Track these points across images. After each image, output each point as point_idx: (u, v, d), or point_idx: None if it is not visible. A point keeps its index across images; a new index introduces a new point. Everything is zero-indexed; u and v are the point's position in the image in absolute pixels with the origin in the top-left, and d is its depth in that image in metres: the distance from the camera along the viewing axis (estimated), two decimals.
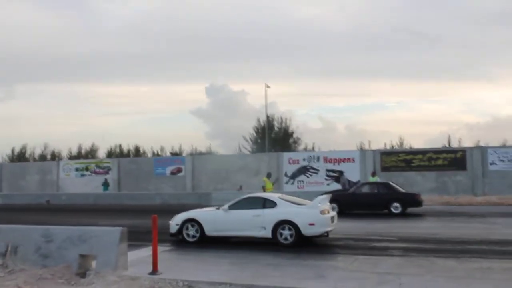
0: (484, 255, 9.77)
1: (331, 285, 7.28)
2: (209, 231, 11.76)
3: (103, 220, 17.43)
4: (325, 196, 12.37)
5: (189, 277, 7.89)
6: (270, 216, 11.25)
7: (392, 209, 18.71)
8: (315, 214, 11.16)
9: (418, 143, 75.11)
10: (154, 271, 8.22)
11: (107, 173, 35.03)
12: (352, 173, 28.59)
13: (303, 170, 30.48)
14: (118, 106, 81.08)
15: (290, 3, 78.05)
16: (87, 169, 35.95)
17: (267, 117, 41.65)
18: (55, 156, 50.52)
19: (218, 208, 12.20)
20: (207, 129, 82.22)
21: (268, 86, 36.39)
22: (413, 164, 28.55)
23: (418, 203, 19.10)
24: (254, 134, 45.45)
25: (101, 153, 50.02)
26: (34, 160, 50.04)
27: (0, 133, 74.10)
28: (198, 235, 11.81)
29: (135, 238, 10.64)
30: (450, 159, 28.06)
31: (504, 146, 31.83)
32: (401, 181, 24.94)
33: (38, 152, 52.11)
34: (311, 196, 15.54)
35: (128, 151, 50.46)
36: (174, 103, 79.66)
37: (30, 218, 18.43)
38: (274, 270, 8.61)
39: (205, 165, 32.90)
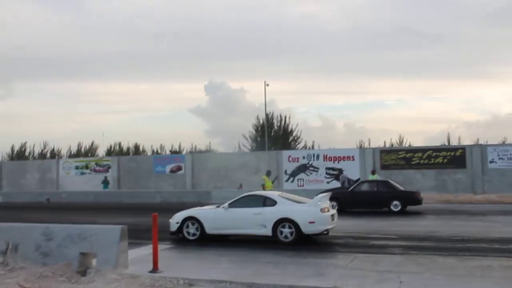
0: (484, 253, 9.78)
1: (331, 283, 7.28)
2: (209, 229, 11.76)
3: (103, 218, 17.44)
4: (325, 194, 12.37)
5: (189, 275, 7.89)
6: (270, 214, 11.25)
7: (392, 207, 18.72)
8: (315, 212, 11.16)
9: (417, 141, 75.44)
10: (155, 269, 8.22)
11: (107, 171, 35.02)
12: (352, 171, 28.57)
13: (303, 168, 30.47)
14: (117, 104, 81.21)
15: (290, 1, 78.03)
16: (87, 167, 35.94)
17: (267, 115, 41.69)
18: (55, 154, 50.56)
19: (218, 206, 12.21)
20: (207, 127, 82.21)
21: (267, 84, 36.43)
22: (412, 162, 28.53)
23: (418, 201, 19.11)
24: (254, 132, 45.50)
25: (101, 151, 50.16)
26: (34, 158, 50.09)
27: None
28: (198, 233, 11.81)
29: (135, 236, 10.65)
30: (450, 157, 28.05)
31: (503, 144, 31.87)
32: (401, 179, 24.94)
33: (37, 150, 52.26)
34: (311, 194, 15.56)
35: (128, 149, 50.54)
36: (173, 101, 79.76)
37: (30, 216, 18.43)
38: (274, 268, 8.61)
39: (205, 163, 32.89)
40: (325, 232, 11.56)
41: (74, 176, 35.85)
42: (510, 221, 15.52)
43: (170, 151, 47.62)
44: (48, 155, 50.80)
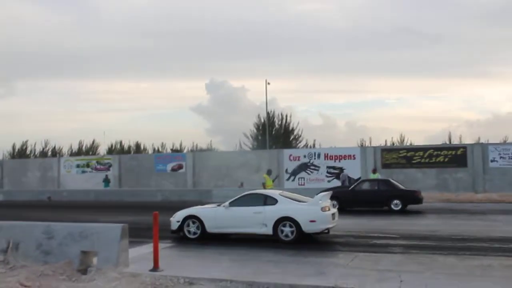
0: (484, 252, 9.78)
1: (331, 282, 7.28)
2: (210, 228, 11.77)
3: (104, 217, 17.46)
4: (326, 193, 12.35)
5: (190, 274, 7.90)
6: (271, 213, 11.25)
7: (392, 206, 18.72)
8: (316, 211, 11.16)
9: (418, 140, 75.36)
10: (155, 267, 8.22)
11: (108, 169, 35.06)
12: (353, 170, 28.58)
13: (304, 167, 30.47)
14: (118, 103, 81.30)
15: (291, 0, 77.92)
16: (88, 165, 35.98)
17: (268, 113, 41.67)
18: (56, 153, 50.62)
19: (219, 205, 12.21)
20: (208, 126, 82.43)
21: (268, 83, 36.43)
22: (413, 161, 28.52)
23: (418, 200, 19.11)
24: (255, 130, 45.47)
25: (102, 150, 50.18)
26: (35, 156, 50.15)
27: (1, 129, 74.22)
28: (199, 232, 11.81)
29: (136, 234, 10.65)
30: (451, 156, 28.03)
31: (504, 143, 31.83)
32: (402, 178, 24.93)
33: (39, 148, 52.33)
34: (312, 193, 15.56)
35: (129, 147, 50.57)
36: (174, 100, 79.78)
37: (32, 215, 18.44)
38: (275, 267, 8.62)
39: (206, 161, 32.91)
40: (326, 231, 11.56)
41: (75, 175, 35.90)
42: (510, 220, 15.52)
43: (171, 149, 47.65)
44: (49, 153, 50.88)
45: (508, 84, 70.23)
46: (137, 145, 50.75)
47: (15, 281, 7.42)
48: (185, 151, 45.78)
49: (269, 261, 9.19)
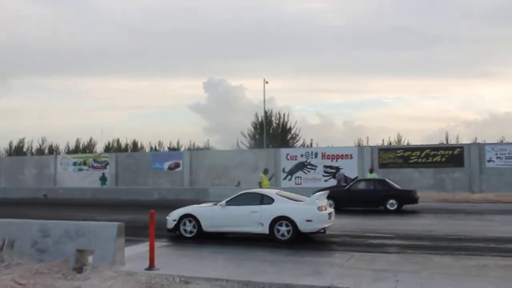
0: (480, 252, 9.80)
1: (327, 281, 7.28)
2: (206, 226, 11.75)
3: (101, 215, 17.39)
4: (322, 192, 12.35)
5: (186, 273, 7.89)
6: (267, 212, 11.24)
7: (388, 206, 18.75)
8: (312, 210, 11.15)
9: (415, 140, 75.20)
10: (151, 266, 8.20)
11: (104, 167, 34.97)
12: (350, 170, 28.56)
13: (301, 166, 30.46)
14: (116, 101, 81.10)
15: None
16: (84, 163, 35.89)
17: (265, 112, 41.63)
18: (52, 150, 50.48)
19: (215, 204, 12.20)
20: (205, 124, 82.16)
21: (266, 82, 36.39)
22: (410, 161, 28.54)
23: (414, 199, 19.14)
24: (252, 129, 45.42)
25: (99, 148, 50.08)
26: (32, 154, 50.01)
27: None
28: (195, 230, 11.79)
29: (132, 233, 10.64)
30: (448, 156, 28.07)
31: (501, 143, 31.86)
32: (399, 178, 24.93)
33: (35, 146, 52.20)
34: (308, 192, 15.56)
35: (126, 145, 50.49)
36: (172, 98, 79.69)
37: (27, 212, 18.40)
38: (271, 266, 8.62)
39: (203, 160, 32.87)
40: (322, 230, 11.56)
41: (72, 172, 35.80)
42: (507, 220, 15.55)
43: (168, 148, 47.59)
44: (46, 151, 50.70)
45: (506, 84, 70.43)
46: (134, 143, 50.70)
47: (10, 279, 7.39)
48: (182, 149, 45.75)
49: (265, 260, 9.19)
